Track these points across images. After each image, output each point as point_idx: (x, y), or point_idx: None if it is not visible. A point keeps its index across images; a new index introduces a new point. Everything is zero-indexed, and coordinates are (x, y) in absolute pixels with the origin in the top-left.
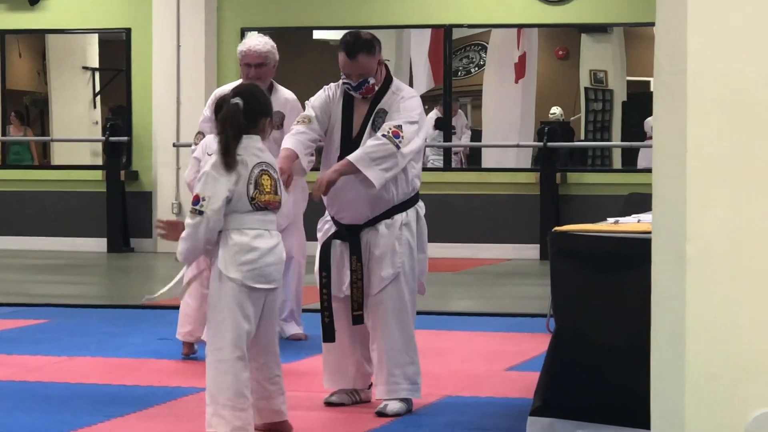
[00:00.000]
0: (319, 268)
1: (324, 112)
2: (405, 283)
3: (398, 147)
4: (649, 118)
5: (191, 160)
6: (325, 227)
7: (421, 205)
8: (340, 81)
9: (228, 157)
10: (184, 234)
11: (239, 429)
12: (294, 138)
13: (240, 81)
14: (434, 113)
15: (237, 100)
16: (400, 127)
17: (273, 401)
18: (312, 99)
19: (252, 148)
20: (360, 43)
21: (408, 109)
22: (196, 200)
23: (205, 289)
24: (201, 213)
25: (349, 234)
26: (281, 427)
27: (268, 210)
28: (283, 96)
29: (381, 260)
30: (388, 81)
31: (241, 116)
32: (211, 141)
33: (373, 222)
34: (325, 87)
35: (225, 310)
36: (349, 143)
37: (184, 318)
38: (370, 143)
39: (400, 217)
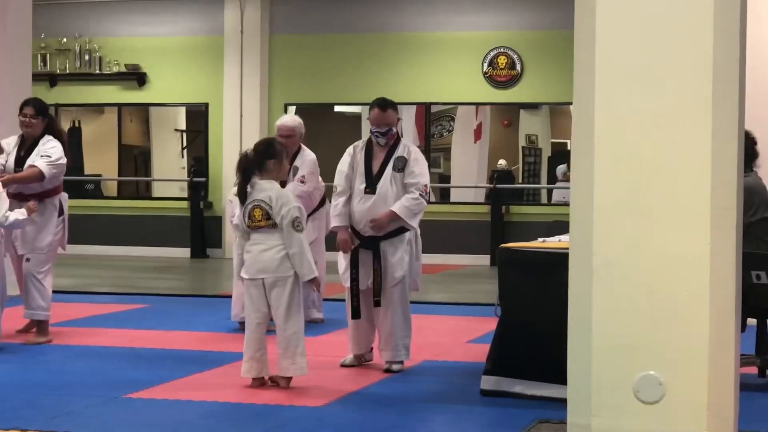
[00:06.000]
0: (350, 268)
1: (351, 168)
2: (408, 282)
3: (428, 202)
4: (559, 166)
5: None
6: (344, 263)
7: (417, 227)
8: (363, 139)
9: (239, 194)
10: None
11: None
12: (339, 217)
13: None
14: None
15: (246, 150)
16: (426, 185)
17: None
18: (339, 166)
19: (256, 190)
20: (389, 101)
21: (423, 165)
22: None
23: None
24: None
25: (372, 244)
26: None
27: (260, 229)
28: (304, 156)
29: (394, 265)
30: (398, 136)
31: (248, 162)
32: None
33: (389, 236)
34: (347, 150)
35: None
36: (371, 179)
37: (236, 300)
38: (411, 200)
39: (407, 235)
